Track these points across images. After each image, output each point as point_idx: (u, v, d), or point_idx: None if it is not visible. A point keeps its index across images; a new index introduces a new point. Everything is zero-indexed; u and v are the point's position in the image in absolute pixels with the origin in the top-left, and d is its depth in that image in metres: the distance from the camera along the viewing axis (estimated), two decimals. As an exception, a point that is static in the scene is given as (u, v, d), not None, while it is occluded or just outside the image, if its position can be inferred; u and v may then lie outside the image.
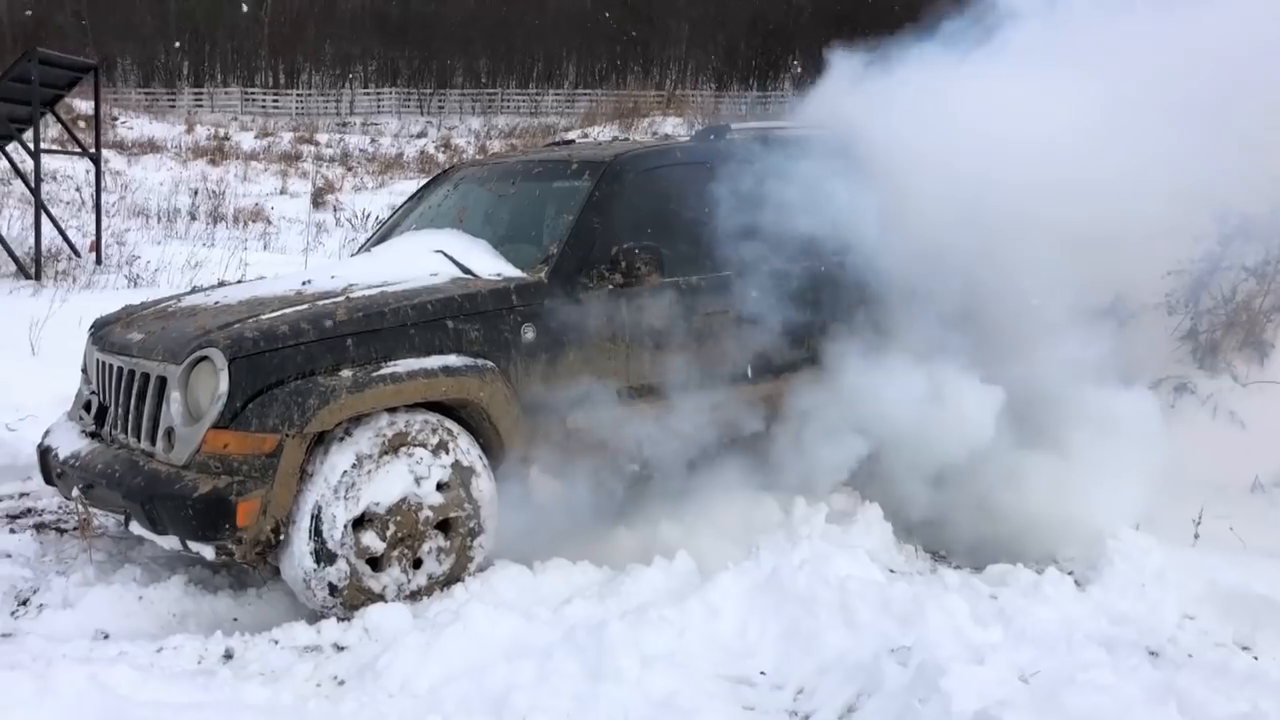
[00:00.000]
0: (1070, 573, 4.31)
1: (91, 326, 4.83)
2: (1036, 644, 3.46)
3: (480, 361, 4.17)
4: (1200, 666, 3.45)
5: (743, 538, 4.36)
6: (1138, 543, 4.36)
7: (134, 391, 4.17)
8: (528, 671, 3.28)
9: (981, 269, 4.98)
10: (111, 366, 4.37)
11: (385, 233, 5.59)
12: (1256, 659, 3.67)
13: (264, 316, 4.06)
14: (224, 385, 3.79)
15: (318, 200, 19.57)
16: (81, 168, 18.01)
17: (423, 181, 20.81)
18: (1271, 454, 5.28)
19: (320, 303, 4.17)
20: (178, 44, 50.36)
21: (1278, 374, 5.75)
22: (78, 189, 17.05)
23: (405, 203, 5.87)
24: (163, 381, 4.02)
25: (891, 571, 4.33)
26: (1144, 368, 5.57)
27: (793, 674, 3.45)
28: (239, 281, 5.57)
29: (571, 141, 6.38)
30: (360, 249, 5.71)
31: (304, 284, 4.51)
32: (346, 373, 3.91)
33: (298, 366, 3.87)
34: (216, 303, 4.47)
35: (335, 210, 18.65)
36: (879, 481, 4.87)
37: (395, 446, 3.96)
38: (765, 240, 4.81)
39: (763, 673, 3.48)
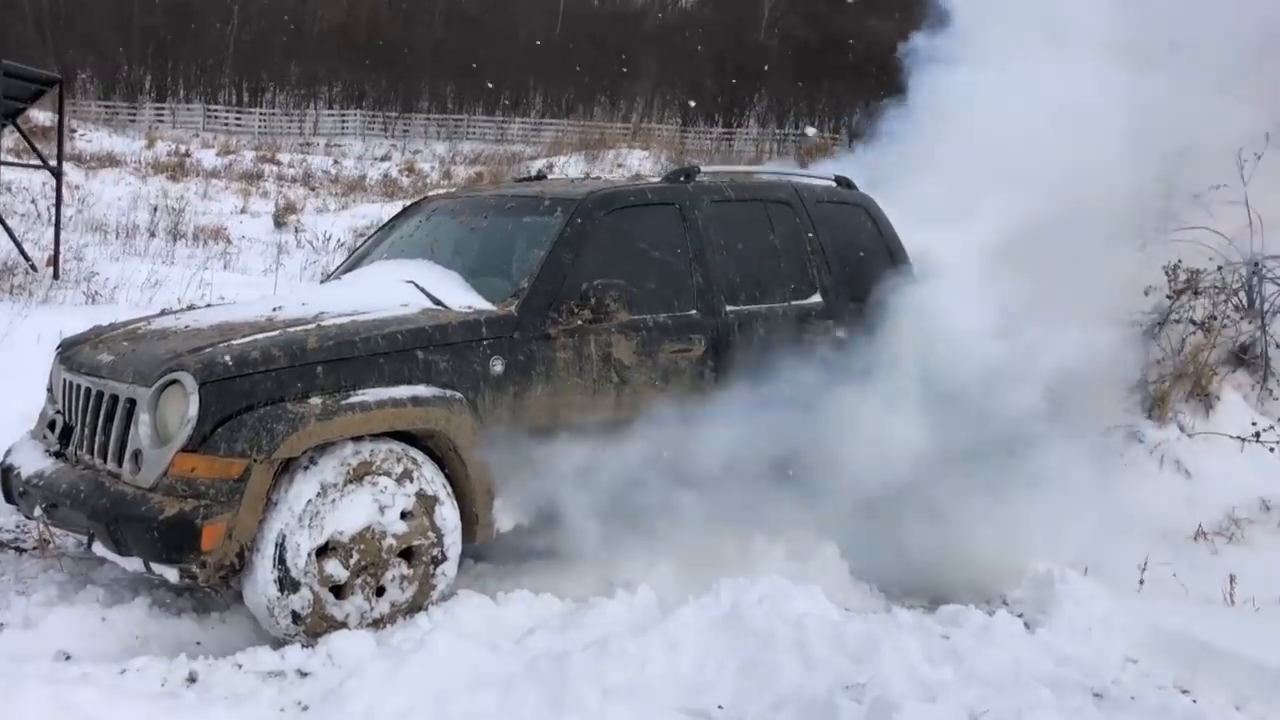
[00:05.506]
0: (1020, 615, 4.42)
1: (59, 346, 4.83)
2: (986, 684, 3.56)
3: (449, 393, 4.22)
4: (1142, 708, 3.57)
5: (703, 573, 4.42)
6: (1085, 587, 4.49)
7: (101, 412, 4.17)
8: (490, 701, 3.32)
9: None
10: (79, 387, 4.37)
11: (355, 261, 5.64)
12: (1195, 701, 3.78)
13: (235, 341, 4.09)
14: (194, 409, 3.82)
15: (279, 221, 19.46)
16: (37, 180, 17.81)
17: (386, 205, 20.85)
18: (1214, 503, 5.45)
19: (291, 329, 4.20)
20: (141, 60, 49.96)
21: (1223, 425, 5.93)
22: (33, 201, 16.84)
23: (376, 231, 5.92)
24: (132, 403, 4.03)
25: (847, 610, 4.41)
26: (1095, 416, 5.73)
27: (749, 708, 3.51)
28: (209, 305, 5.58)
29: (542, 176, 6.47)
30: (330, 276, 5.75)
31: (275, 310, 4.54)
32: (316, 400, 3.95)
33: (268, 392, 3.90)
34: (187, 326, 4.49)
35: (297, 231, 18.55)
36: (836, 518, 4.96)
37: (360, 475, 4.00)
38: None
39: (720, 706, 3.54)
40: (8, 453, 4.69)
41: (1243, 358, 6.38)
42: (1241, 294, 6.58)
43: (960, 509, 4.85)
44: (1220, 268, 6.43)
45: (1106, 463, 5.52)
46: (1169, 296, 6.29)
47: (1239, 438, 5.83)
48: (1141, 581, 4.78)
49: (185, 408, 3.84)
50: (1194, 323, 6.30)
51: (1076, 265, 5.51)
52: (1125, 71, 5.06)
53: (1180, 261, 6.25)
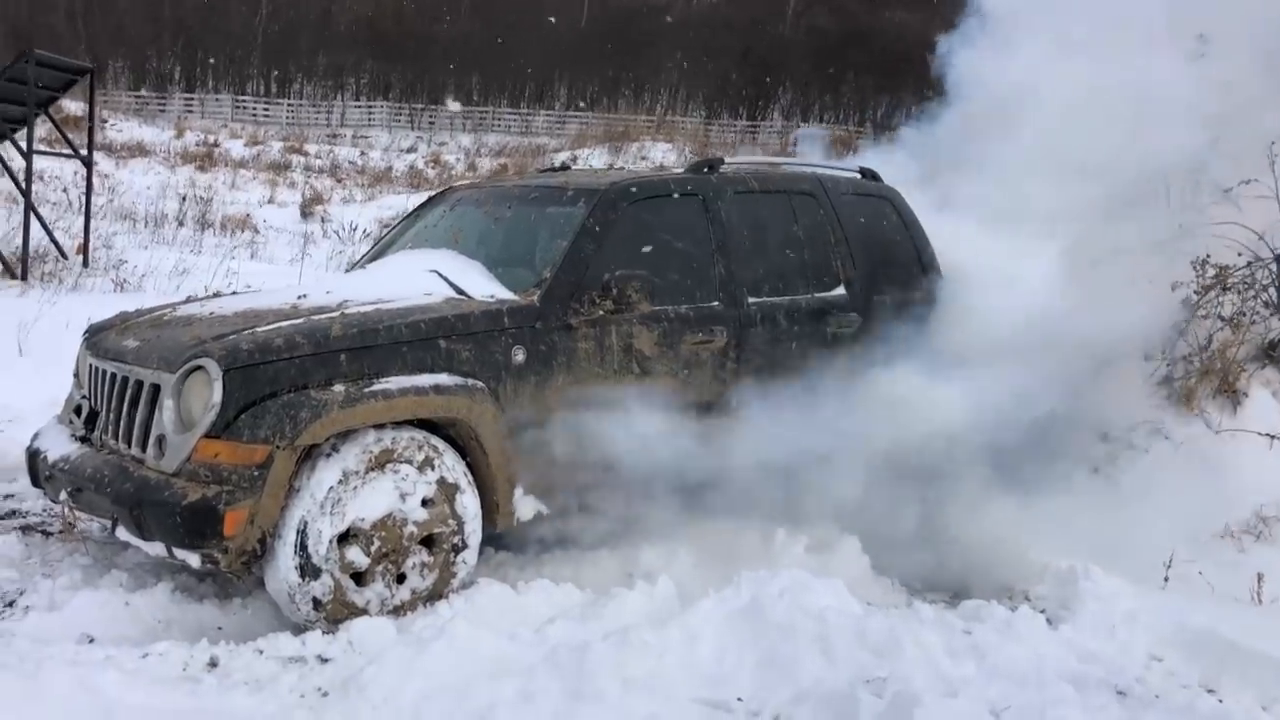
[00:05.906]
0: (1043, 611, 4.39)
1: (85, 331, 4.86)
2: (1008, 680, 3.54)
3: (470, 381, 4.22)
4: (1167, 707, 3.54)
5: (723, 565, 4.42)
6: (1109, 584, 4.45)
7: (126, 398, 4.20)
8: (510, 690, 3.32)
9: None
10: (104, 372, 4.40)
11: (380, 250, 5.65)
12: (1221, 701, 3.75)
13: (259, 329, 4.11)
14: (217, 395, 3.84)
15: (306, 211, 19.60)
16: (69, 169, 17.98)
17: (412, 197, 20.94)
18: (1242, 501, 5.39)
19: (315, 317, 4.22)
20: (171, 51, 50.30)
21: (1249, 422, 5.86)
22: (64, 190, 17.01)
23: (400, 221, 5.94)
24: (156, 389, 4.06)
25: (868, 604, 4.38)
26: (1121, 412, 5.69)
27: (769, 701, 3.50)
28: (234, 292, 5.61)
29: (566, 167, 6.46)
30: (355, 265, 5.77)
31: (299, 298, 4.56)
32: (339, 387, 3.96)
33: (291, 379, 3.91)
34: (212, 313, 4.52)
35: (323, 222, 18.68)
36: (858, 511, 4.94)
37: (381, 463, 4.01)
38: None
39: (740, 699, 3.53)
40: (35, 437, 4.74)
41: (1272, 354, 6.31)
42: (1271, 290, 6.50)
43: (983, 504, 4.83)
44: (1250, 263, 6.36)
45: (1131, 459, 5.48)
46: (1197, 292, 6.22)
47: (1267, 435, 5.76)
48: (1166, 579, 4.73)
49: (209, 394, 3.86)
50: (1222, 319, 6.23)
51: (1107, 256, 5.47)
52: (1155, 62, 5.01)
53: (1209, 256, 6.18)
